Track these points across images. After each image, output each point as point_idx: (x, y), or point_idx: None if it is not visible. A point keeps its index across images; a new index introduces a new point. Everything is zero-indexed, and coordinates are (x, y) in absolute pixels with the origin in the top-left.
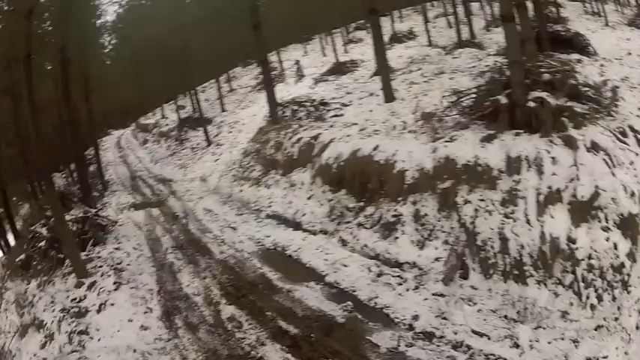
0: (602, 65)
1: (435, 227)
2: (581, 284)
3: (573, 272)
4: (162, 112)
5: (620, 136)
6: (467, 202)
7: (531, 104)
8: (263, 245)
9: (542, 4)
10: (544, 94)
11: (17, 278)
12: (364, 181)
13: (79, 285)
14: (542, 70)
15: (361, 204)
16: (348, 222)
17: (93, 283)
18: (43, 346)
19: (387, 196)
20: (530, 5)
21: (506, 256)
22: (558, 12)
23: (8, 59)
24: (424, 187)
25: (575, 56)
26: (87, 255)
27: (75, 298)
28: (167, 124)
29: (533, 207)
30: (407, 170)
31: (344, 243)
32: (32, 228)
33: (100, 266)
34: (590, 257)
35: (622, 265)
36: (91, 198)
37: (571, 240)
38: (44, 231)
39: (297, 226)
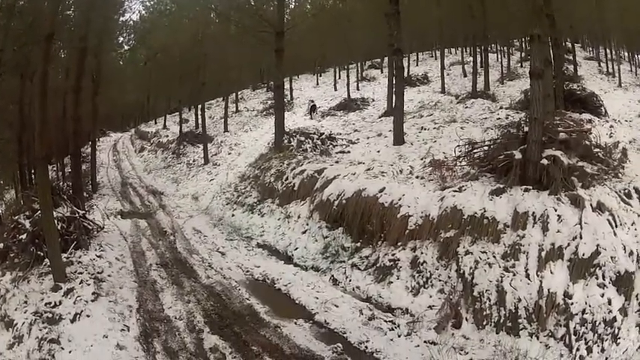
0: (611, 126)
1: (432, 275)
2: (573, 337)
3: (566, 326)
4: (165, 122)
5: (625, 197)
6: (468, 252)
7: (544, 162)
8: (252, 275)
9: (562, 61)
10: (558, 153)
11: None
12: (364, 222)
13: (55, 289)
14: (559, 129)
15: (358, 245)
16: (342, 261)
17: (70, 290)
18: (10, 347)
19: (387, 240)
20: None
21: (502, 309)
22: (576, 70)
23: (26, 38)
24: (426, 234)
25: (587, 116)
26: (67, 258)
27: (50, 303)
28: (167, 136)
29: (534, 262)
30: (411, 216)
31: (335, 282)
32: (15, 218)
33: (80, 273)
34: (584, 312)
35: (614, 319)
36: (80, 198)
37: (567, 295)
38: (27, 223)
39: (288, 259)
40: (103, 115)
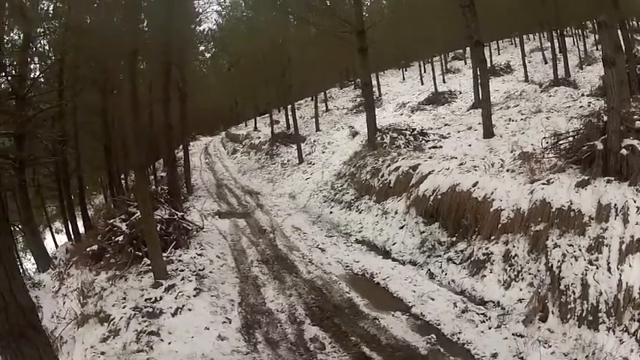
0: None
1: (523, 269)
2: None
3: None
4: (255, 124)
5: None
6: (556, 246)
7: (624, 152)
8: (351, 270)
9: (632, 44)
10: (635, 142)
11: (83, 267)
12: (459, 217)
13: (156, 285)
14: (635, 117)
15: (453, 239)
16: (439, 256)
17: (172, 286)
18: (104, 340)
19: (480, 234)
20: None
21: (585, 302)
22: None
23: (102, 54)
24: (517, 228)
25: None
26: (167, 257)
27: (150, 298)
28: (259, 137)
29: (616, 255)
30: (503, 210)
31: (432, 276)
32: (110, 221)
33: (182, 270)
34: None
35: None
36: (178, 201)
37: None
38: (124, 226)
39: (386, 254)
40: (191, 120)
